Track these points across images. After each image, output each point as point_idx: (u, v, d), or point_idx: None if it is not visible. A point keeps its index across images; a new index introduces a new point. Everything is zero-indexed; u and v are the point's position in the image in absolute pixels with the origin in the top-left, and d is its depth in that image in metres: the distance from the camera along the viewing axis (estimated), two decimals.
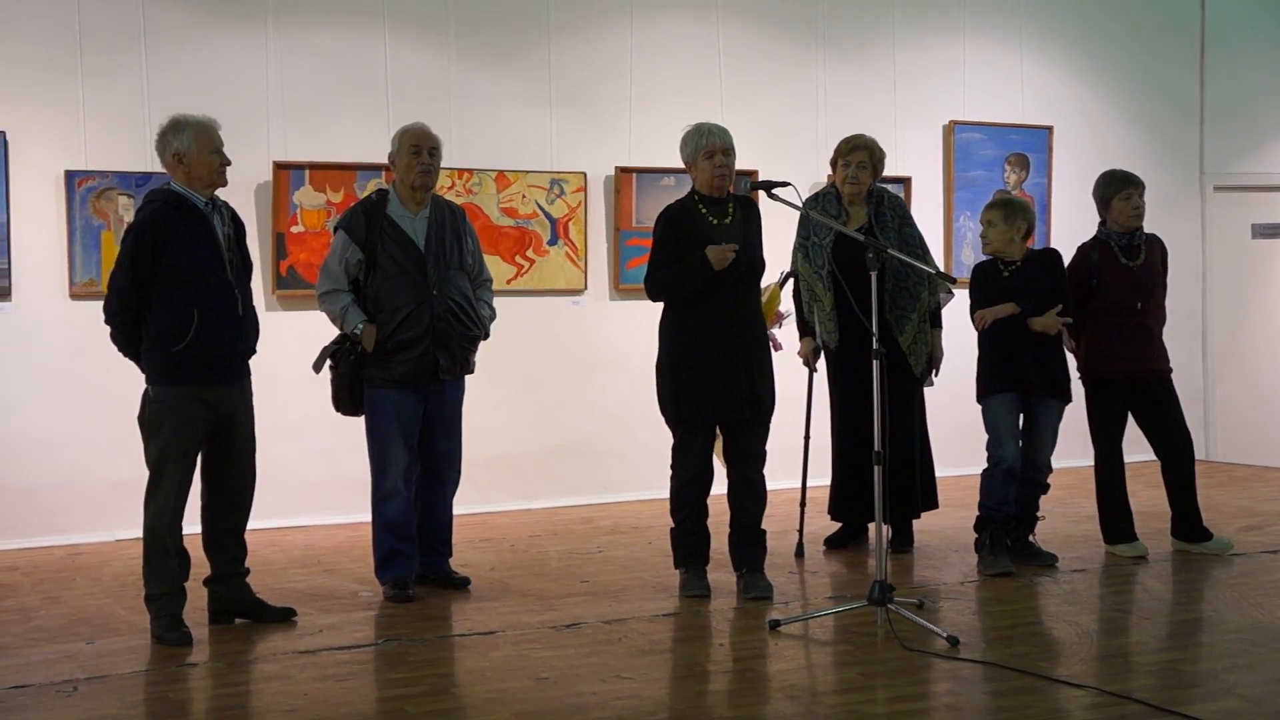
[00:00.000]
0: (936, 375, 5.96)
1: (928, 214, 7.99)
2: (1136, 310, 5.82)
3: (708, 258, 5.01)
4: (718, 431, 5.27)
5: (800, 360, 5.97)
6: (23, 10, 6.49)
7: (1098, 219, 5.98)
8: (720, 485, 5.29)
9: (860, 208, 5.88)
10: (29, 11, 6.50)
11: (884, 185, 6.07)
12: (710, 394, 5.11)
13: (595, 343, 7.50)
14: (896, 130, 7.99)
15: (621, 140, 7.53)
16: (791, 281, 6.00)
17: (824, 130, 7.83)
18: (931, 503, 6.04)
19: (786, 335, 5.99)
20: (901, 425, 5.65)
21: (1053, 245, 8.00)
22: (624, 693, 4.07)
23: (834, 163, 5.94)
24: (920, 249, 5.88)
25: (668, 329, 5.25)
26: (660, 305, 5.28)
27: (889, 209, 5.91)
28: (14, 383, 6.47)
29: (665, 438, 5.28)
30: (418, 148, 5.30)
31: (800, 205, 5.32)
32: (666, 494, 5.29)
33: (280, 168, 6.82)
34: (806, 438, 5.96)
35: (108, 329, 4.74)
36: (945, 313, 5.97)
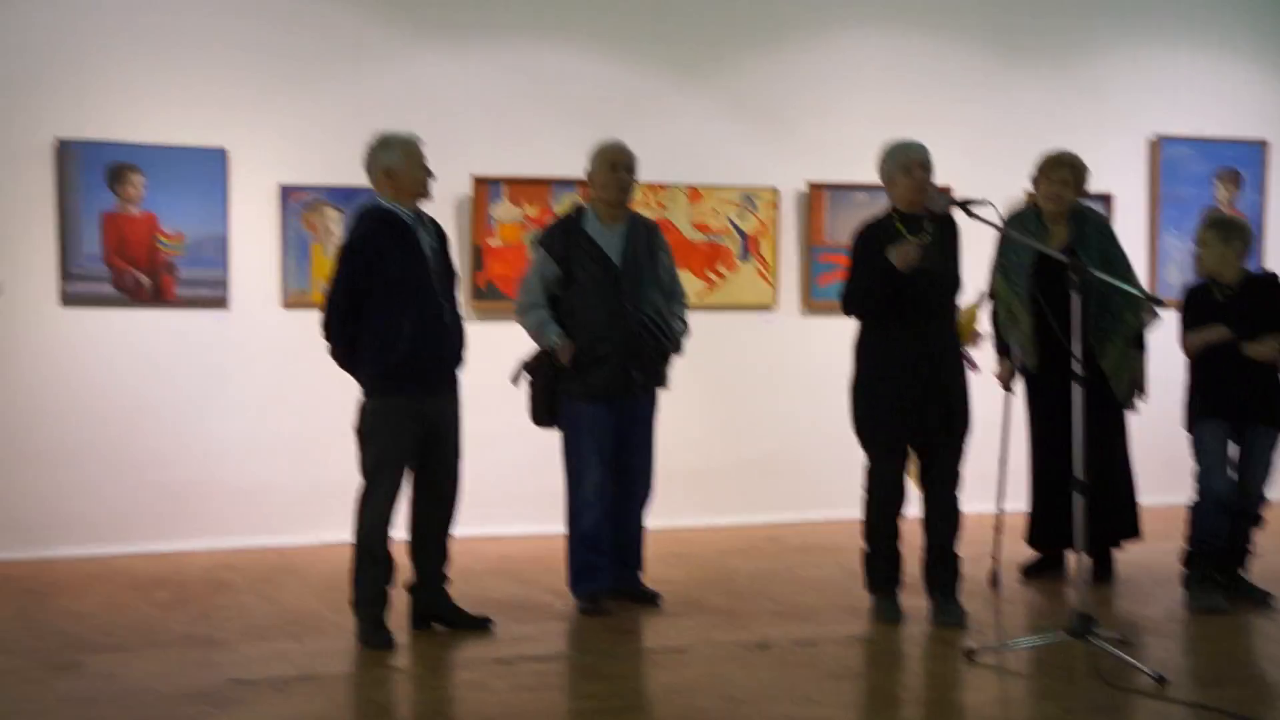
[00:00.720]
0: (1140, 400, 5.77)
1: (1131, 232, 7.71)
2: None
3: (890, 259, 4.94)
4: (912, 453, 5.20)
5: (997, 382, 5.85)
6: (242, 32, 6.79)
7: None
8: (915, 508, 5.22)
9: (1061, 226, 5.73)
10: (248, 33, 6.80)
11: (1086, 202, 5.90)
12: (905, 415, 5.06)
13: (786, 359, 7.45)
14: (1098, 144, 7.71)
15: (813, 155, 7.48)
16: (989, 301, 5.88)
17: (1021, 146, 7.63)
18: (1133, 531, 5.84)
19: (983, 356, 5.87)
20: (1103, 451, 5.50)
21: (1269, 268, 7.58)
22: (816, 717, 4.04)
23: (1035, 179, 5.81)
24: (1125, 269, 5.70)
25: (862, 348, 5.21)
26: (855, 323, 5.23)
27: (1093, 227, 5.75)
28: (230, 388, 6.78)
29: (856, 456, 5.24)
30: (615, 164, 5.37)
31: (999, 224, 5.21)
32: (856, 514, 5.24)
33: (479, 182, 6.98)
34: (1003, 461, 5.83)
35: (326, 344, 4.92)
36: (1150, 335, 5.78)
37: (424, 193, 4.95)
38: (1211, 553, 5.41)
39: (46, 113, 6.48)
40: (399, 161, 4.89)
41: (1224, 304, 5.46)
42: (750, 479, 7.38)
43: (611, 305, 5.27)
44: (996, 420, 5.82)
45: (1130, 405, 5.75)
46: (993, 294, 5.87)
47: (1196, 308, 5.52)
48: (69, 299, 6.51)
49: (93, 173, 6.49)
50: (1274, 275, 5.65)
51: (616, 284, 5.29)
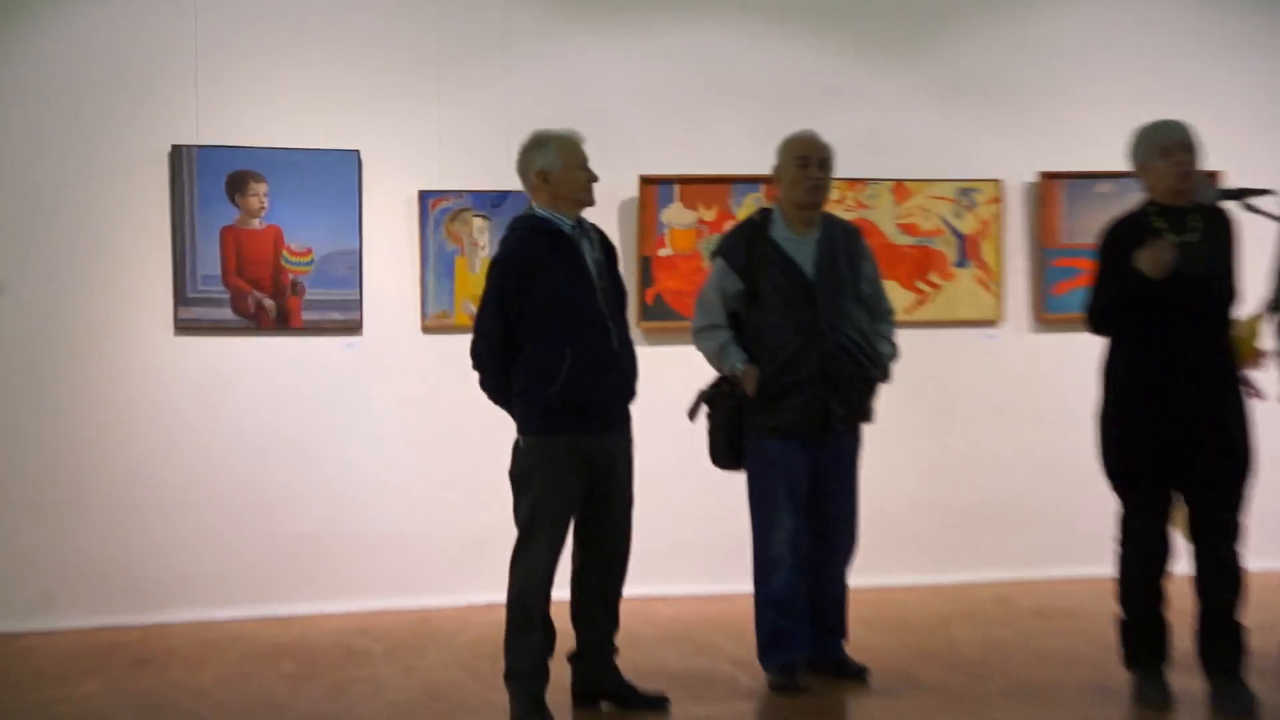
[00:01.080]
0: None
1: None
2: None
3: (1140, 266, 4.74)
4: (1179, 499, 4.98)
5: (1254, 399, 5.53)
6: (371, 23, 6.90)
7: None
8: (1185, 565, 4.98)
9: None
10: (378, 24, 6.90)
11: None
12: (1166, 453, 4.87)
13: (1015, 384, 7.33)
14: None
15: (1045, 141, 7.35)
16: (1275, 313, 5.58)
17: None
18: None
19: (1269, 379, 5.56)
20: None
21: None
22: None
23: None
24: None
25: (1112, 371, 5.04)
26: (1102, 341, 5.06)
27: None
28: (363, 424, 6.85)
29: (1107, 501, 5.05)
30: (805, 159, 5.30)
31: None
32: (1108, 571, 5.05)
33: (647, 183, 6.96)
34: None
35: (474, 374, 4.90)
36: None
37: (586, 198, 4.92)
38: None
39: (161, 118, 6.66)
40: (556, 162, 4.88)
41: None
42: (973, 529, 7.26)
43: (805, 325, 5.21)
44: None
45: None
46: (1278, 304, 5.56)
47: None
48: (183, 326, 6.66)
49: (211, 182, 6.65)
50: None
51: (811, 299, 5.24)
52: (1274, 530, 5.53)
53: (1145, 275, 4.76)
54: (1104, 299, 4.96)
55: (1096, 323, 5.01)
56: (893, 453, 6.93)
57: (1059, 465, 6.98)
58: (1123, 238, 4.97)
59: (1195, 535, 4.99)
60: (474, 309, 4.99)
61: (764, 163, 5.50)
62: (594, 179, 4.94)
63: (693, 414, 5.36)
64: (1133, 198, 5.18)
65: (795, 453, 5.21)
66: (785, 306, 5.22)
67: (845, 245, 5.37)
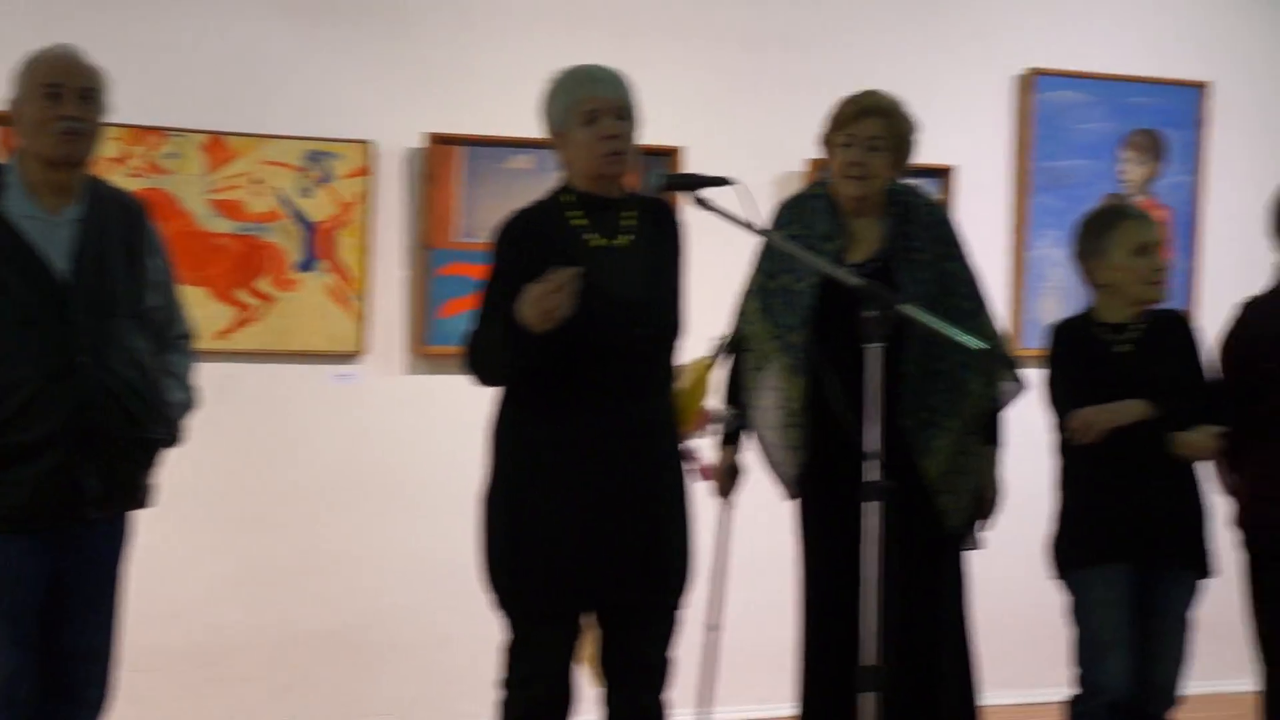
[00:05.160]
0: (986, 528, 5.91)
1: (982, 233, 7.95)
2: None
3: (522, 311, 4.92)
4: (588, 624, 5.23)
5: (703, 482, 5.88)
6: None
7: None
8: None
9: (872, 222, 5.83)
10: None
11: (912, 182, 6.02)
12: (574, 563, 5.08)
13: (381, 448, 7.48)
14: (932, 87, 8.00)
15: (437, 90, 7.55)
16: (731, 355, 5.94)
17: (818, 98, 7.86)
18: None
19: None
20: (924, 619, 5.63)
21: (1201, 297, 7.98)
22: None
23: (826, 140, 5.91)
24: (971, 301, 5.85)
25: (501, 442, 5.21)
26: (494, 390, 5.24)
27: (921, 225, 5.87)
28: None
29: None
30: (57, 89, 5.24)
31: (750, 220, 5.21)
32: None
33: None
34: (714, 629, 5.93)
35: None
36: (1012, 417, 5.96)
37: None
38: None
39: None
40: None
41: (1128, 356, 5.81)
42: (306, 668, 7.42)
43: (48, 352, 5.16)
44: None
45: (971, 540, 5.88)
46: (736, 342, 5.90)
47: (1082, 361, 5.81)
48: None
49: None
50: (1181, 314, 6.12)
51: (59, 313, 5.19)
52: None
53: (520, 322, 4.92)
54: (486, 333, 5.09)
55: (472, 362, 5.14)
56: (188, 550, 7.03)
57: (438, 567, 7.24)
58: (525, 238, 5.12)
59: (609, 674, 5.24)
60: None
61: None
62: None
63: None
64: (550, 181, 5.38)
65: (23, 551, 5.13)
66: (20, 323, 5.14)
67: (121, 230, 5.36)
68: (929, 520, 5.71)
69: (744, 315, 5.93)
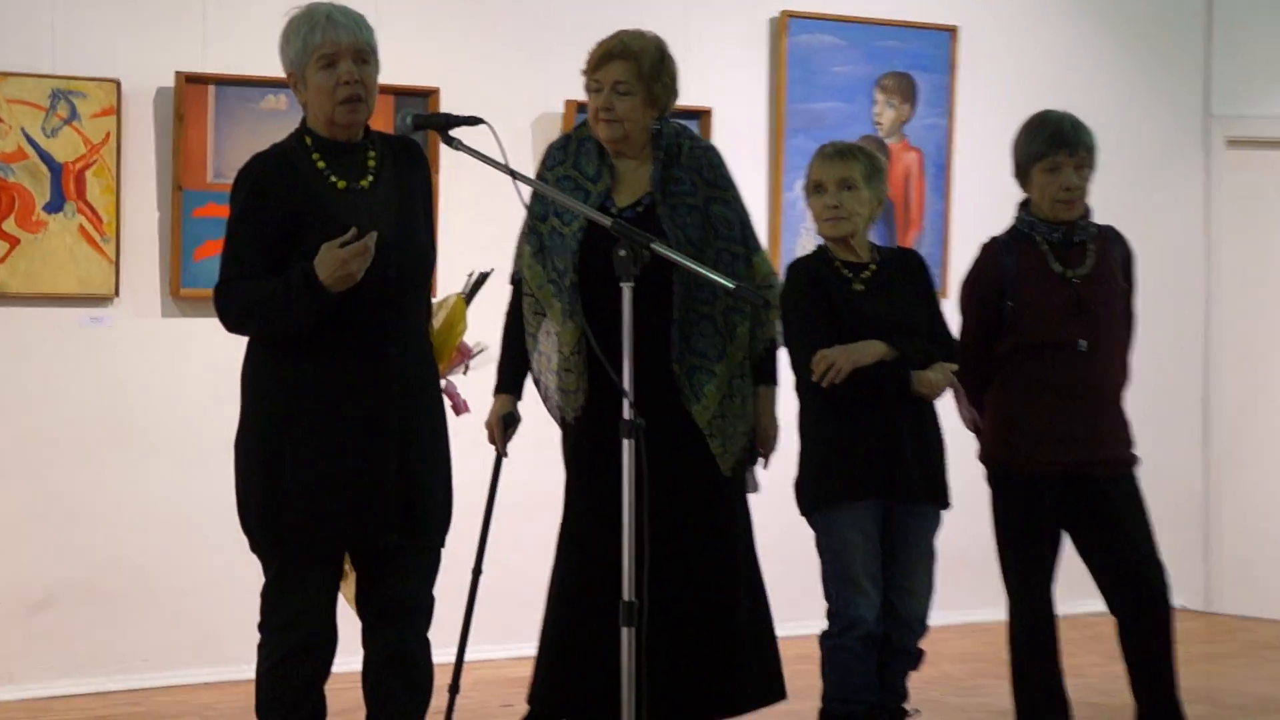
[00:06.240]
0: (764, 468, 5.93)
1: (740, 176, 7.96)
2: (1078, 354, 5.96)
3: (315, 272, 4.85)
4: (346, 567, 5.19)
5: (488, 435, 5.89)
6: None
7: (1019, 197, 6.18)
8: (350, 659, 5.18)
9: (638, 164, 5.80)
10: None
11: (678, 122, 6.01)
12: (332, 504, 5.03)
13: (136, 392, 7.42)
14: (689, 30, 8.01)
15: (190, 29, 7.45)
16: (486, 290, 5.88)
17: (546, 47, 7.85)
18: (774, 691, 5.93)
19: (476, 387, 5.89)
20: (711, 559, 5.68)
21: (952, 237, 8.09)
22: None
23: (585, 84, 5.87)
24: (740, 245, 5.85)
25: (254, 385, 5.13)
26: (243, 339, 5.16)
27: (688, 168, 5.85)
28: None
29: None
30: None
31: (504, 161, 5.14)
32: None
33: None
34: (476, 572, 5.88)
35: None
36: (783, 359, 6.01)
37: None
38: (863, 715, 5.73)
39: None
40: None
41: (864, 294, 5.87)
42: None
43: None
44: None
45: (748, 483, 5.90)
46: (515, 278, 5.87)
47: (821, 299, 5.84)
48: None
49: None
50: (915, 253, 6.33)
51: None
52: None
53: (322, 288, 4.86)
54: (240, 280, 5.00)
55: (228, 311, 5.04)
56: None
57: (196, 513, 7.19)
58: (265, 182, 5.02)
59: (363, 612, 5.18)
60: None
61: None
62: None
63: None
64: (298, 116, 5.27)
65: None
66: None
67: None
68: (708, 462, 5.76)
69: (521, 258, 5.89)
